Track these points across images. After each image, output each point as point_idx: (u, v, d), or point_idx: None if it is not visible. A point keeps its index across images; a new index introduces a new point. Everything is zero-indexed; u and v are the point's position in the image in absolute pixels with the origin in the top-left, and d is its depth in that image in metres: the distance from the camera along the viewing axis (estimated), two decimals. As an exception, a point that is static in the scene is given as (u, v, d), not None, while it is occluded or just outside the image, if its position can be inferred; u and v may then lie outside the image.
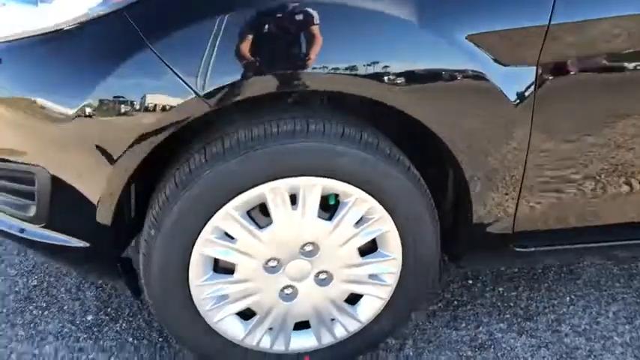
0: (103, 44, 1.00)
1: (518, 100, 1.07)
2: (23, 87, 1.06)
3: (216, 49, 0.94)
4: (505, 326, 1.52)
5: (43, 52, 1.03)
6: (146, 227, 1.09)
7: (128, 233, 1.26)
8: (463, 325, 1.52)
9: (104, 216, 1.07)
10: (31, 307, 1.52)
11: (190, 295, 1.13)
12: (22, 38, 1.03)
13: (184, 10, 0.97)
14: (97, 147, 1.02)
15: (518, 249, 1.28)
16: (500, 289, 1.68)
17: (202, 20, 0.95)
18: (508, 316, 1.57)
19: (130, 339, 1.42)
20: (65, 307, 1.52)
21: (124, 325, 1.46)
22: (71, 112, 1.00)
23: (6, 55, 1.05)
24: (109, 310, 1.52)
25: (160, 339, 1.42)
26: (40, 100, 1.03)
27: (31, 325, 1.45)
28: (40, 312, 1.50)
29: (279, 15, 0.98)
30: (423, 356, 1.40)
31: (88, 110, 0.99)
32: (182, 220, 1.05)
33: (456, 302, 1.61)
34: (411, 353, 1.41)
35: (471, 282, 1.71)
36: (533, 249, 1.30)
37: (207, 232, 1.07)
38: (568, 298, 1.65)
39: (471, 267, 1.65)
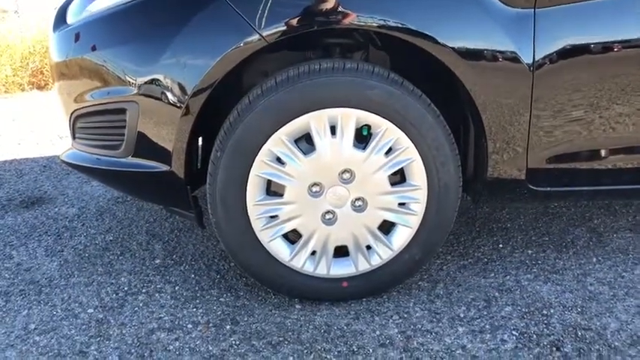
0: (185, 1, 1.30)
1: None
2: (118, 41, 1.38)
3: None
4: (532, 277, 1.63)
5: (137, 12, 1.35)
6: (213, 151, 1.33)
7: (196, 179, 1.51)
8: (492, 275, 1.64)
9: (180, 144, 1.33)
10: (108, 254, 1.77)
11: (247, 213, 1.34)
12: (119, 5, 1.36)
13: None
14: (177, 83, 1.29)
15: (534, 187, 1.43)
16: (529, 251, 1.79)
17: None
18: (535, 270, 1.67)
19: (192, 275, 1.63)
20: (137, 254, 1.76)
21: (186, 267, 1.68)
22: (156, 57, 1.29)
23: (111, 18, 1.38)
24: (174, 256, 1.75)
25: (218, 276, 1.62)
26: (131, 49, 1.34)
27: (109, 265, 1.69)
28: (116, 257, 1.75)
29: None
30: (453, 295, 1.53)
31: (169, 53, 1.28)
32: (242, 142, 1.29)
33: (485, 259, 1.74)
34: (441, 292, 1.54)
35: (501, 246, 1.84)
36: (548, 189, 1.44)
37: (262, 155, 1.30)
38: (595, 259, 1.74)
39: (492, 206, 1.78)
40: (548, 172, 1.43)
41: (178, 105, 1.31)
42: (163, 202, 1.55)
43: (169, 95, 1.32)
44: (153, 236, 1.90)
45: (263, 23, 1.22)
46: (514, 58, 1.30)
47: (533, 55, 1.28)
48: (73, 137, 1.64)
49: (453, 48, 1.27)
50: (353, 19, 1.25)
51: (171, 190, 1.41)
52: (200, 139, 1.53)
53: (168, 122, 1.34)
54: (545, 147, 1.39)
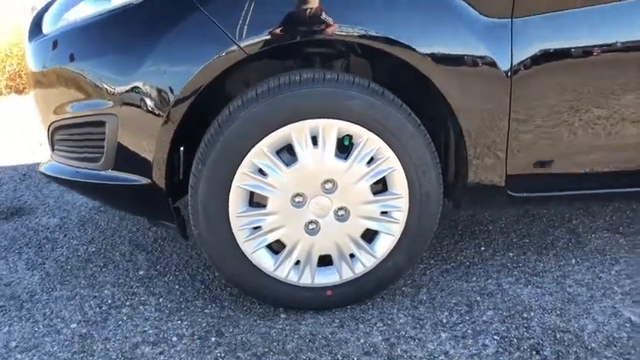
0: (163, 12, 1.29)
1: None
2: (97, 52, 1.37)
3: (257, 11, 1.22)
4: (513, 280, 1.66)
5: (117, 23, 1.33)
6: (194, 163, 1.33)
7: (178, 190, 1.50)
8: (474, 279, 1.67)
9: (161, 155, 1.32)
10: (91, 266, 1.76)
11: (230, 225, 1.34)
12: (99, 15, 1.35)
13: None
14: (156, 94, 1.29)
15: (512, 193, 1.45)
16: (510, 254, 1.82)
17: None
18: (516, 273, 1.70)
19: (177, 287, 1.62)
20: (120, 266, 1.75)
21: (171, 277, 1.68)
22: (136, 68, 1.28)
23: (89, 29, 1.36)
24: (158, 267, 1.74)
25: (203, 286, 1.62)
26: (111, 61, 1.33)
27: (92, 277, 1.68)
28: (99, 269, 1.73)
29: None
30: (436, 300, 1.55)
31: (149, 64, 1.27)
32: (223, 154, 1.29)
33: (467, 263, 1.76)
34: (424, 297, 1.56)
35: (482, 248, 1.86)
36: (527, 194, 1.47)
37: (244, 167, 1.30)
38: (574, 260, 1.78)
39: (473, 211, 1.86)
40: (528, 178, 1.46)
41: (158, 116, 1.30)
42: (145, 214, 1.55)
43: (149, 107, 1.31)
44: (136, 246, 1.89)
45: (242, 35, 1.22)
46: (492, 67, 1.32)
47: (511, 63, 1.30)
48: (52, 149, 1.62)
49: (432, 59, 1.29)
50: (333, 30, 1.26)
51: (153, 202, 1.41)
52: (182, 149, 1.53)
53: (148, 134, 1.33)
54: (524, 153, 1.41)
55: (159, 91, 1.30)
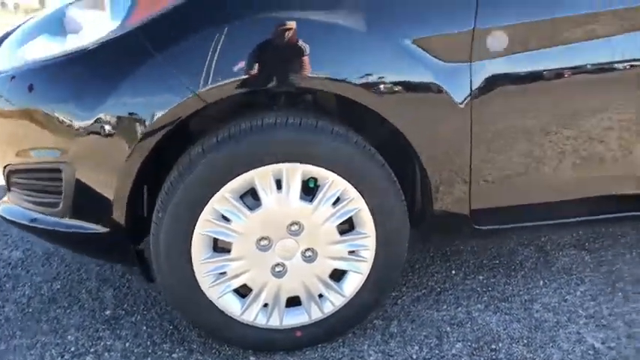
0: (119, 58, 1.25)
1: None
2: (53, 97, 1.31)
3: (215, 59, 1.18)
4: (482, 307, 1.67)
5: (71, 68, 1.28)
6: (155, 211, 1.29)
7: (141, 230, 1.46)
8: (444, 307, 1.68)
9: (120, 203, 1.28)
10: (54, 307, 1.70)
11: (193, 272, 1.32)
12: (54, 58, 1.29)
13: (184, 27, 1.22)
14: (112, 145, 1.24)
15: (478, 227, 1.46)
16: (480, 277, 1.84)
17: (200, 35, 1.20)
18: (486, 298, 1.72)
19: (144, 328, 1.58)
20: (86, 305, 1.70)
21: (138, 317, 1.64)
22: (91, 115, 1.24)
23: (43, 72, 1.31)
24: (125, 306, 1.70)
25: (171, 327, 1.59)
26: (67, 107, 1.28)
27: (55, 321, 1.63)
28: (63, 310, 1.68)
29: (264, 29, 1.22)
30: (406, 333, 1.55)
31: (105, 113, 1.23)
32: (184, 201, 1.25)
33: (438, 289, 1.77)
34: (395, 330, 1.56)
35: (453, 272, 1.87)
36: (491, 227, 1.48)
37: (206, 214, 1.27)
38: (542, 282, 1.81)
39: (441, 244, 1.86)
40: (491, 211, 1.47)
41: (117, 164, 1.26)
42: (107, 259, 1.51)
43: (108, 154, 1.27)
44: (103, 282, 1.83)
45: (206, 83, 1.19)
46: (453, 107, 1.31)
47: (471, 107, 1.31)
48: (9, 189, 1.56)
49: (391, 106, 1.29)
50: (302, 78, 1.24)
51: (114, 248, 1.37)
52: (145, 186, 1.49)
53: (108, 182, 1.29)
54: (486, 188, 1.42)
55: (119, 138, 1.25)
